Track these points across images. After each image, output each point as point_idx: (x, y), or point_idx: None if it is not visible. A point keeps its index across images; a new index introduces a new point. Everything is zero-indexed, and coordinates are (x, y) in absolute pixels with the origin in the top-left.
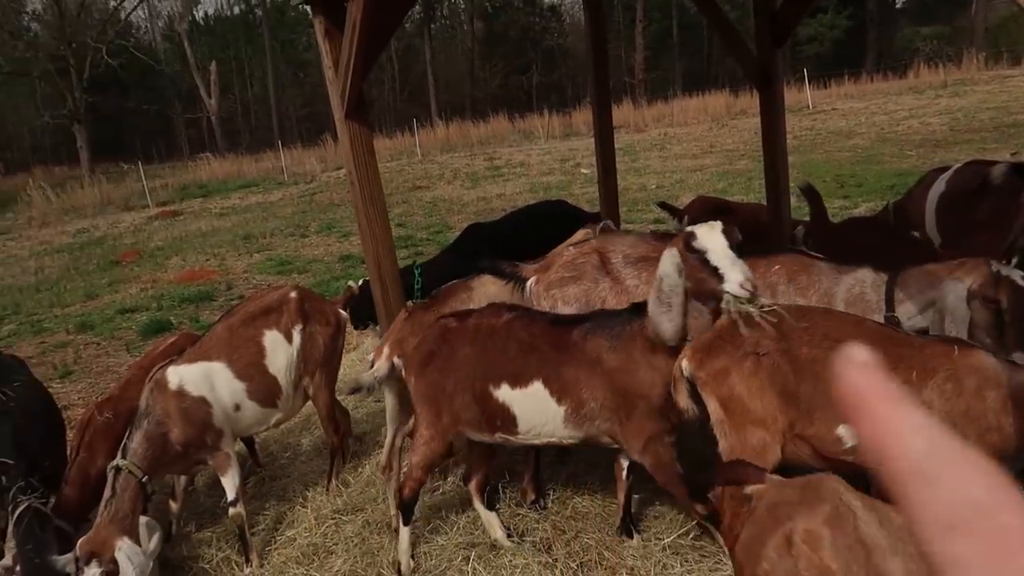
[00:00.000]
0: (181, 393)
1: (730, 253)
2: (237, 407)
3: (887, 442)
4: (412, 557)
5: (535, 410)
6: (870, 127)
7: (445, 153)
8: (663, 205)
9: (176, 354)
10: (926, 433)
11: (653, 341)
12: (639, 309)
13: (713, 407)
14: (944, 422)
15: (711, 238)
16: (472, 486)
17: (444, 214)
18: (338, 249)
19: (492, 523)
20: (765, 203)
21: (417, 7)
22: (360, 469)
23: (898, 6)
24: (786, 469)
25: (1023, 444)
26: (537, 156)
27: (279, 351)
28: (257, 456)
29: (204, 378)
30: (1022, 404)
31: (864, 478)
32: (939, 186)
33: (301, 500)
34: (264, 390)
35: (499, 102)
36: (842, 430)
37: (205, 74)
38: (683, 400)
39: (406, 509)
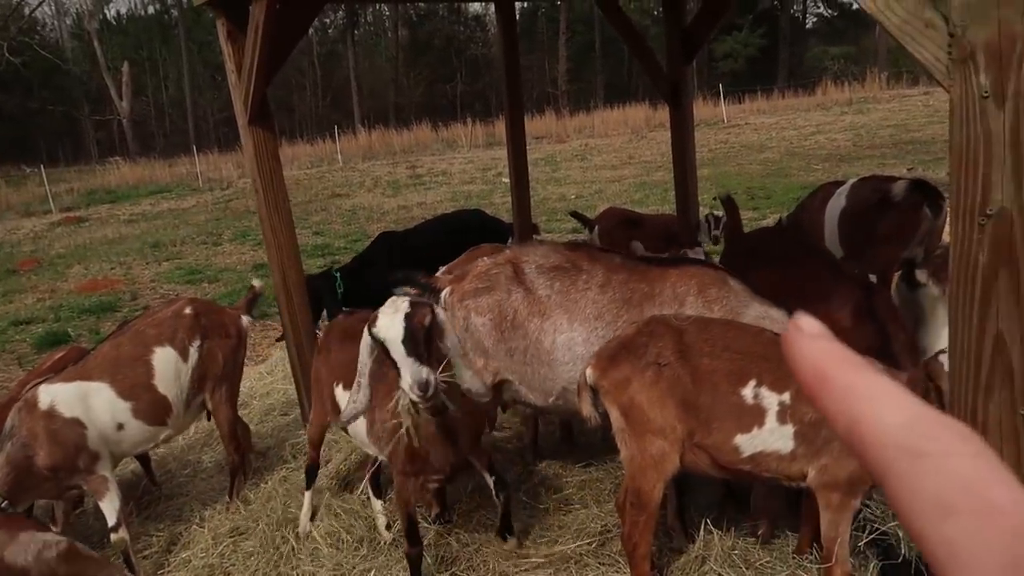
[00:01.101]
0: (51, 414)
1: (403, 350)
2: (120, 427)
3: (861, 416)
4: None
5: None
6: (780, 141)
7: (367, 160)
8: (575, 215)
9: (61, 370)
10: (901, 401)
11: None
12: None
13: (615, 416)
14: None
15: (390, 328)
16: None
17: (363, 222)
18: (252, 258)
19: (378, 512)
20: (672, 214)
21: (340, 12)
22: (261, 485)
23: (808, 26)
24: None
25: None
26: (459, 165)
27: (170, 369)
28: (152, 474)
29: (79, 398)
30: None
31: (766, 486)
32: (839, 200)
33: (198, 520)
34: (152, 409)
35: (423, 110)
36: (740, 439)
37: (116, 75)
38: (586, 408)
39: None
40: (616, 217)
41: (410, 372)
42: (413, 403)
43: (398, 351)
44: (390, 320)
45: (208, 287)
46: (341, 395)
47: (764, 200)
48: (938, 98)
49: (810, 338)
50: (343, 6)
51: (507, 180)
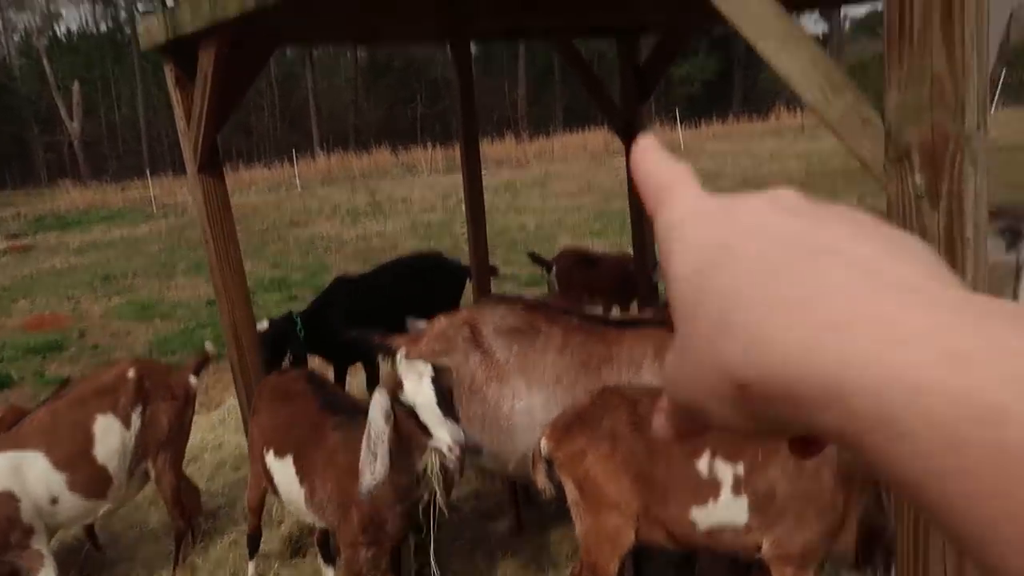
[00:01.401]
0: None
1: (438, 412)
2: (54, 500)
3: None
4: None
5: (287, 483)
6: (735, 169)
7: (326, 186)
8: (533, 256)
9: None
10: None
11: None
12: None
13: (569, 488)
14: (791, 503)
15: (420, 391)
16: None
17: (322, 254)
18: (207, 292)
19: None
20: (624, 252)
21: None
22: (211, 550)
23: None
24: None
25: (851, 523)
26: (419, 191)
27: (111, 437)
28: (95, 538)
29: (12, 469)
30: (850, 481)
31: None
32: None
33: None
34: (89, 481)
35: (382, 132)
36: (695, 512)
37: (67, 95)
38: (541, 480)
39: None
40: (573, 257)
41: (449, 433)
42: (443, 465)
43: (433, 414)
44: (418, 385)
45: (161, 324)
46: (273, 462)
47: None
48: None
49: (647, 152)
50: None
51: None
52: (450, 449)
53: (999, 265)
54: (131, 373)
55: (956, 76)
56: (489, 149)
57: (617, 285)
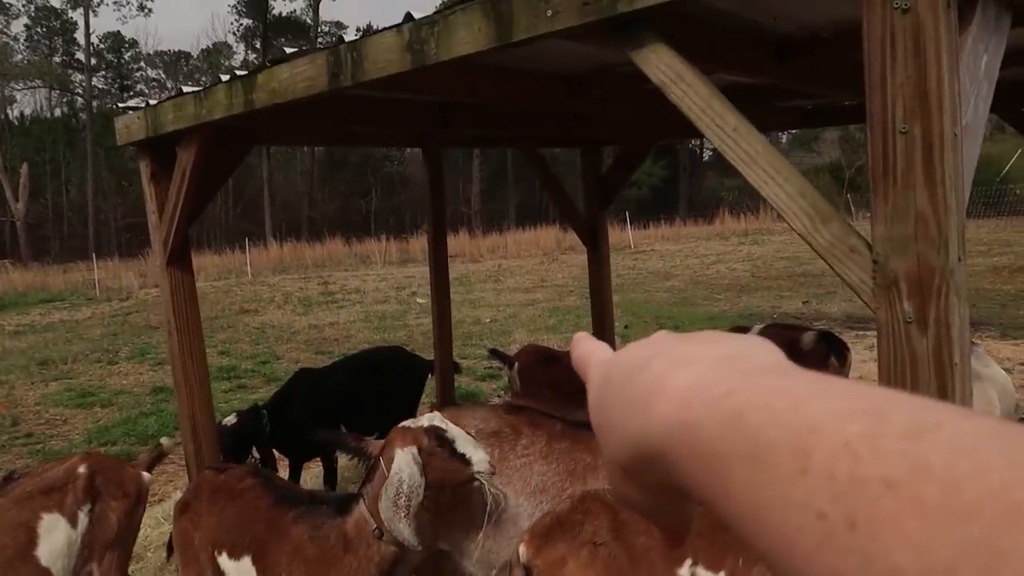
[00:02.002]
0: None
1: (471, 438)
2: None
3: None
4: None
5: None
6: (684, 269)
7: (278, 274)
8: (494, 352)
9: None
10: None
11: (351, 540)
12: (346, 504)
13: None
14: None
15: (450, 428)
16: None
17: (272, 342)
18: (150, 379)
19: None
20: None
21: None
22: None
23: (705, 159)
24: None
25: None
26: (373, 282)
27: (56, 537)
28: None
29: None
30: None
31: None
32: None
33: None
34: None
35: (336, 224)
36: None
37: (13, 176)
38: None
39: None
40: (535, 355)
41: (483, 452)
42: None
43: (467, 442)
44: (445, 423)
45: (101, 411)
46: (228, 564)
47: (676, 330)
48: None
49: (579, 339)
50: None
51: (421, 300)
52: (490, 464)
53: None
54: (82, 468)
55: (939, 213)
56: None
57: (579, 383)
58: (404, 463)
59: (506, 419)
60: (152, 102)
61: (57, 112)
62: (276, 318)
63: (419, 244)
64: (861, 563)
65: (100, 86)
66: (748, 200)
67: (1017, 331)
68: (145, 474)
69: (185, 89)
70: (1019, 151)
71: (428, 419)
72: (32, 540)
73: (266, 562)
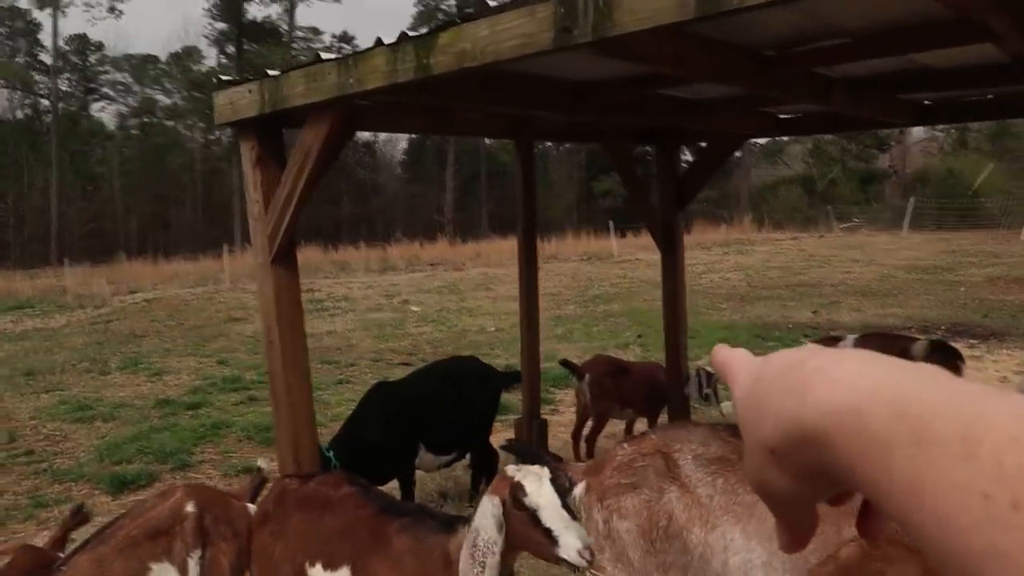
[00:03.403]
0: None
1: (564, 515)
2: None
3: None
4: None
5: None
6: None
7: (256, 280)
8: (565, 363)
9: None
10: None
11: (453, 561)
12: (452, 524)
13: None
14: None
15: (542, 493)
16: None
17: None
18: (151, 390)
19: None
20: (654, 361)
21: (228, 131)
22: None
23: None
24: None
25: None
26: (359, 290)
27: None
28: None
29: None
30: None
31: None
32: None
33: None
34: None
35: (307, 231)
36: None
37: None
38: None
39: None
40: (605, 366)
41: (578, 536)
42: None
43: (559, 517)
44: (539, 486)
45: (104, 426)
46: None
47: (691, 339)
48: (807, 243)
49: (718, 350)
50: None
51: (415, 308)
52: (580, 554)
53: None
54: (190, 508)
55: None
56: (422, 251)
57: (647, 395)
58: (483, 513)
59: (732, 443)
60: (272, 73)
61: (19, 114)
62: None
63: (397, 252)
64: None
65: (65, 88)
66: (720, 211)
67: None
68: (250, 506)
69: (324, 56)
70: (989, 167)
71: (526, 472)
72: None
73: (365, 573)
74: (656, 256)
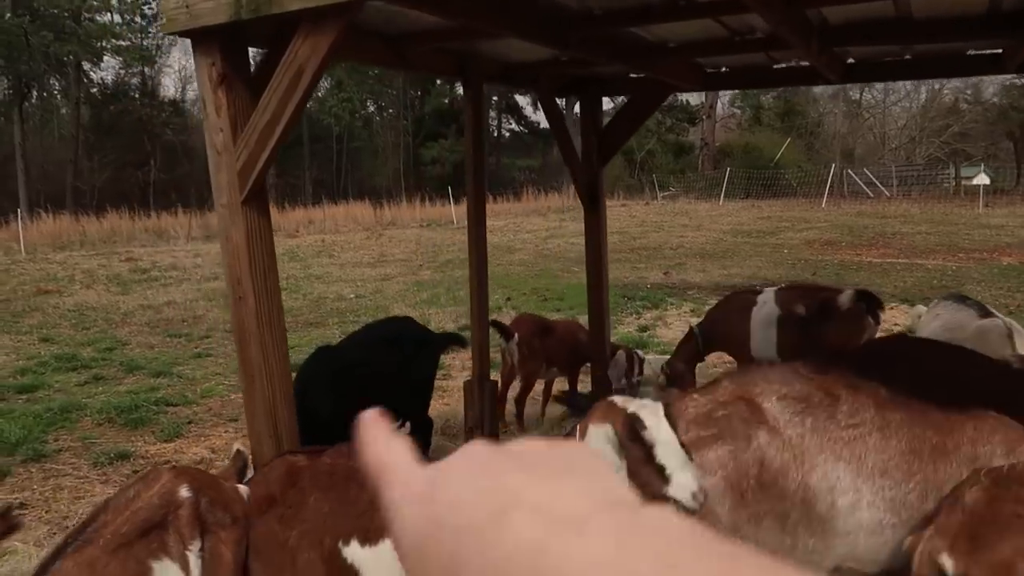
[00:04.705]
0: None
1: (681, 453)
2: None
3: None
4: None
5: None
6: (523, 243)
7: (60, 251)
8: (495, 324)
9: None
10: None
11: None
12: None
13: None
14: None
15: (661, 428)
16: None
17: (105, 326)
18: (44, 349)
19: None
20: (574, 319)
21: (6, 81)
22: None
23: (502, 140)
24: None
25: None
26: (187, 259)
27: None
28: None
29: None
30: None
31: None
32: (767, 309)
33: None
34: None
35: (108, 197)
36: None
37: None
38: None
39: None
40: (532, 325)
41: (693, 476)
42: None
43: (676, 455)
44: (658, 420)
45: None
46: (360, 553)
47: (559, 301)
48: (636, 210)
49: (369, 429)
50: (9, 77)
51: None
52: (695, 496)
53: (990, 329)
54: (184, 493)
55: None
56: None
57: (570, 353)
58: (596, 440)
59: (816, 380)
60: None
61: None
62: (90, 299)
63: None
64: None
65: None
66: (544, 180)
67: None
68: (242, 488)
69: None
70: (787, 141)
71: (640, 405)
72: None
73: None
74: (493, 222)
